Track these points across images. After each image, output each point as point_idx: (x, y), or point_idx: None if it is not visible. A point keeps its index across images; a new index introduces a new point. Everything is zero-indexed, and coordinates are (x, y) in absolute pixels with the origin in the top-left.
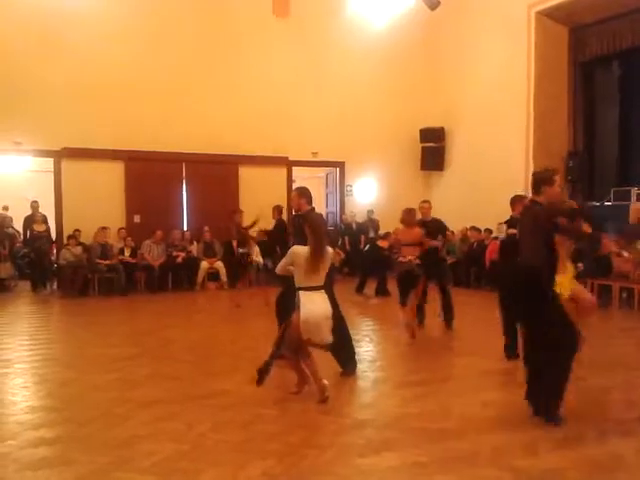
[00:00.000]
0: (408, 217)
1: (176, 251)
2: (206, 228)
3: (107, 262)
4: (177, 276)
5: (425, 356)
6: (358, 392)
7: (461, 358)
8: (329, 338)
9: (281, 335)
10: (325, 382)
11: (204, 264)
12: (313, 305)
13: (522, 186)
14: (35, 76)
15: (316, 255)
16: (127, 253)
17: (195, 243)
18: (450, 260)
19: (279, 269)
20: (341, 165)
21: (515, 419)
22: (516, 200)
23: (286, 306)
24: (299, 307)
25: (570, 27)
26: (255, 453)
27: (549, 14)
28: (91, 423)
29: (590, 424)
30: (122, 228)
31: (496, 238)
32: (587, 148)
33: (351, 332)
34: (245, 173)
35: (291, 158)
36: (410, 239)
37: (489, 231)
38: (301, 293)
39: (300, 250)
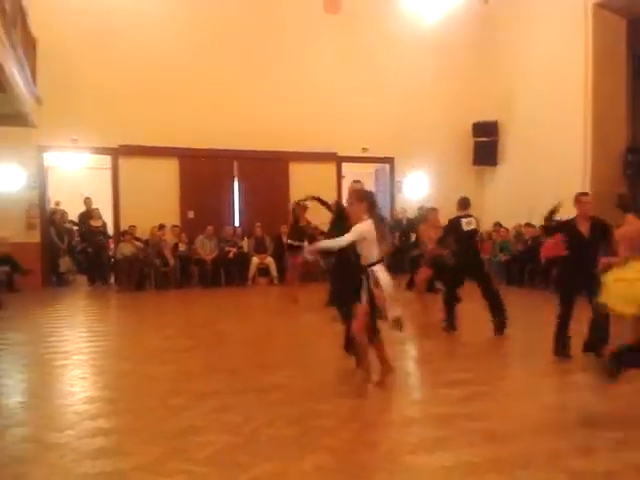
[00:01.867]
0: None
1: (228, 246)
2: (257, 224)
3: (163, 257)
4: (229, 271)
5: (479, 355)
6: (410, 389)
7: (514, 358)
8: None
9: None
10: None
11: (255, 260)
12: (386, 277)
13: (579, 181)
14: (93, 74)
15: (380, 226)
16: (181, 248)
17: (246, 239)
18: (503, 257)
19: (344, 241)
20: (391, 161)
21: (573, 422)
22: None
23: (345, 294)
24: (377, 282)
25: (629, 19)
26: (308, 447)
27: (607, 5)
28: (147, 414)
29: None
30: (176, 226)
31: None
32: None
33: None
34: (295, 169)
35: (340, 154)
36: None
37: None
38: (376, 267)
39: (365, 226)
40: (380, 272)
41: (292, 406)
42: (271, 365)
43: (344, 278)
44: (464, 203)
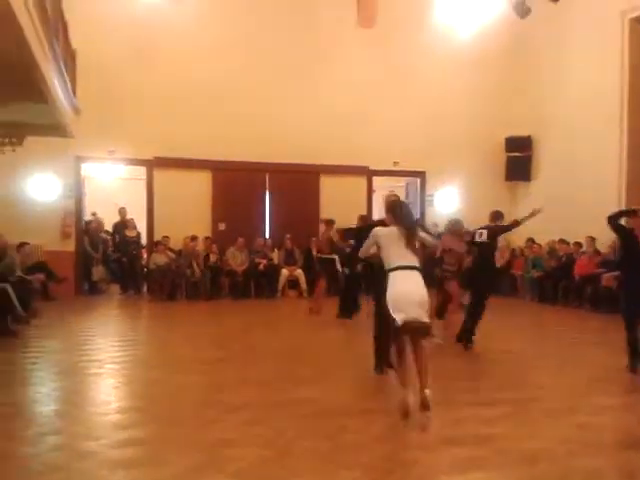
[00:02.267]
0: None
1: (258, 258)
2: (287, 236)
3: (195, 268)
4: (259, 283)
5: (509, 373)
6: (443, 409)
7: (550, 377)
8: (424, 317)
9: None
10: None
11: (284, 272)
12: (402, 283)
13: (615, 197)
14: (130, 87)
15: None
16: (212, 259)
17: (276, 250)
18: (536, 274)
19: (362, 252)
20: (422, 175)
21: (611, 443)
22: None
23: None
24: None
25: None
26: (340, 464)
27: None
28: (180, 424)
29: None
30: (207, 237)
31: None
32: None
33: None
34: (326, 182)
35: (372, 167)
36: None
37: (579, 244)
38: (393, 273)
39: (380, 230)
40: (395, 278)
41: (325, 420)
42: (302, 378)
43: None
44: (492, 215)
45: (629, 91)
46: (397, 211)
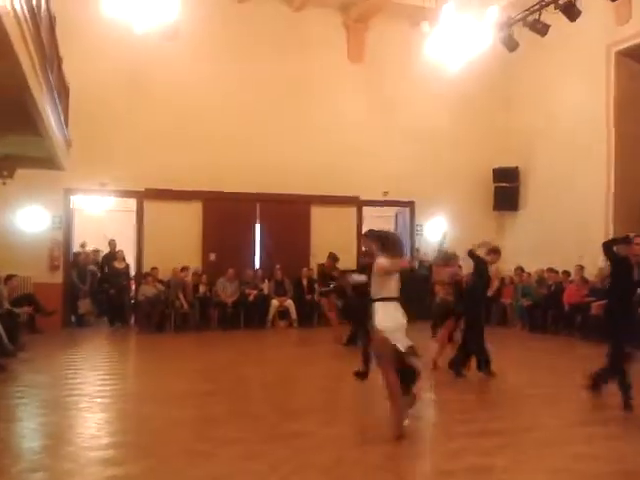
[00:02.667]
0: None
1: (248, 289)
2: (277, 266)
3: (185, 300)
4: (249, 313)
5: (504, 403)
6: (441, 439)
7: (543, 406)
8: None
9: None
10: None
11: (274, 302)
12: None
13: (602, 226)
14: (120, 120)
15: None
16: (202, 290)
17: (267, 281)
18: (526, 303)
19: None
20: (411, 204)
21: (607, 473)
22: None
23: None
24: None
25: None
26: None
27: (629, 54)
28: (174, 460)
29: None
30: (195, 273)
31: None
32: None
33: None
34: (317, 212)
35: (362, 198)
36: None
37: (567, 273)
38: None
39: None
40: (380, 307)
41: (321, 454)
42: (296, 411)
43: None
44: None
45: (615, 123)
46: (382, 240)
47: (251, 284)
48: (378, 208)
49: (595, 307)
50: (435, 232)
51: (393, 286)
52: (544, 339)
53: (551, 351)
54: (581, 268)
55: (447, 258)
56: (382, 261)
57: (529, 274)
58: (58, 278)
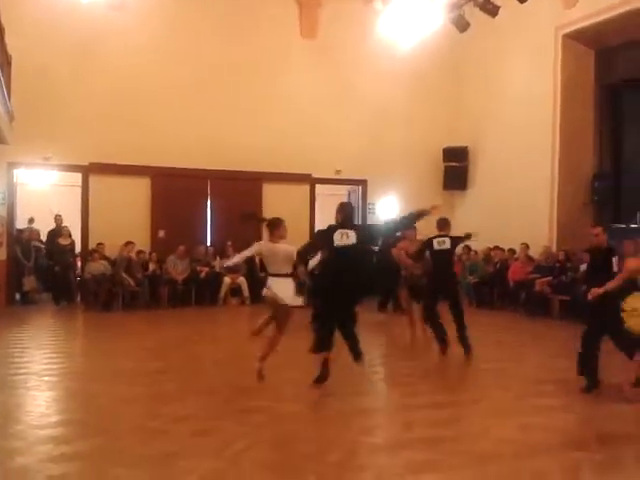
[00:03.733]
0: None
1: (200, 266)
2: (229, 243)
3: (131, 277)
4: (200, 291)
5: (453, 376)
6: (392, 413)
7: (490, 379)
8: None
9: None
10: None
11: (227, 279)
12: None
13: (547, 207)
14: (65, 93)
15: None
16: (151, 267)
17: (218, 258)
18: (473, 280)
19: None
20: (363, 183)
21: (555, 443)
22: None
23: None
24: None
25: (597, 49)
26: (293, 473)
27: (576, 37)
28: (126, 437)
29: (630, 448)
30: (141, 251)
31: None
32: (614, 171)
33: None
34: (269, 190)
35: (315, 175)
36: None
37: (512, 251)
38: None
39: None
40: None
41: (273, 430)
42: (248, 388)
43: None
44: (439, 224)
45: (561, 105)
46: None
47: (202, 261)
48: (331, 186)
49: (539, 284)
50: (387, 211)
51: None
52: (490, 315)
53: (497, 326)
54: (526, 246)
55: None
56: None
57: (476, 252)
58: (2, 255)
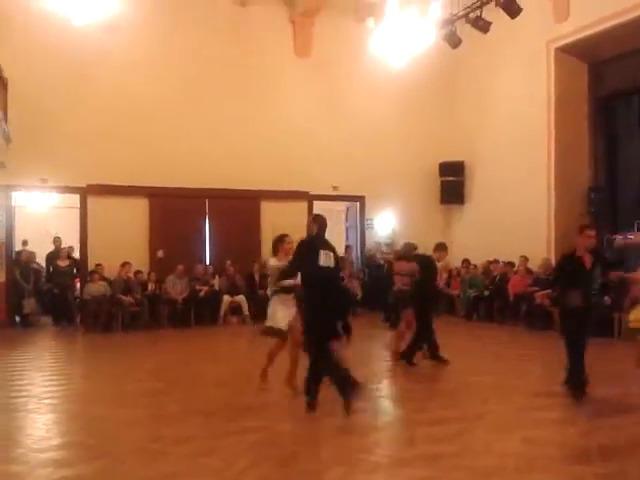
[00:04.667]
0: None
1: (199, 285)
2: (228, 262)
3: (130, 298)
4: (200, 310)
5: (453, 391)
6: (393, 429)
7: (491, 393)
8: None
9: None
10: None
11: (226, 298)
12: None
13: (544, 219)
14: (62, 115)
15: None
16: (150, 287)
17: (217, 277)
18: (473, 293)
19: None
20: (361, 199)
21: (557, 456)
22: None
23: None
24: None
25: (589, 62)
26: None
27: (568, 50)
28: (128, 459)
29: (632, 460)
30: (139, 272)
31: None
32: (609, 182)
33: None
34: (267, 207)
35: (312, 192)
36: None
37: (511, 264)
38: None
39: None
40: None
41: (274, 448)
42: (250, 407)
43: None
44: (437, 247)
45: (555, 118)
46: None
47: (201, 280)
48: (329, 203)
49: (539, 296)
50: (384, 226)
51: None
52: (490, 329)
53: (498, 340)
54: (525, 259)
55: (408, 250)
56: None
57: (475, 266)
58: (0, 278)
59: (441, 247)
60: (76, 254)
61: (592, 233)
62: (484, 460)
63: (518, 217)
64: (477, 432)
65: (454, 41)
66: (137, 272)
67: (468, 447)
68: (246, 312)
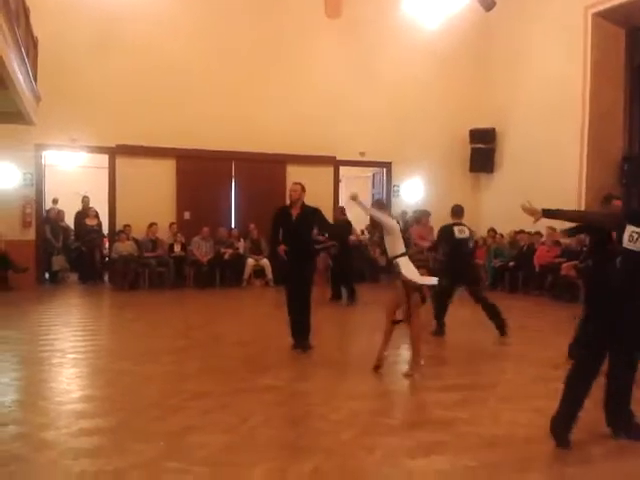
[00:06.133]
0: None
1: (224, 248)
2: (252, 226)
3: (155, 255)
4: (224, 272)
5: (472, 360)
6: (407, 394)
7: (509, 363)
8: None
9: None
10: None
11: (250, 261)
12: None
13: (575, 189)
14: (92, 74)
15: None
16: (177, 248)
17: (242, 240)
18: (498, 263)
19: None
20: (388, 165)
21: None
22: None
23: None
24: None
25: (627, 29)
26: (305, 449)
27: (606, 16)
28: (144, 413)
29: None
30: (173, 223)
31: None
32: None
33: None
34: (293, 172)
35: (339, 157)
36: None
37: (539, 235)
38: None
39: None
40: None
41: (289, 407)
42: (267, 366)
43: None
44: (457, 211)
45: (590, 84)
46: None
47: (226, 243)
48: (355, 168)
49: (565, 268)
50: (411, 193)
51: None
52: (515, 298)
53: (522, 310)
54: (552, 230)
55: (417, 217)
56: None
57: (502, 236)
58: (31, 235)
59: (459, 211)
60: (103, 213)
61: (619, 203)
62: (494, 428)
63: (548, 187)
64: (489, 400)
65: (488, 4)
66: (172, 224)
67: (479, 415)
68: (269, 275)
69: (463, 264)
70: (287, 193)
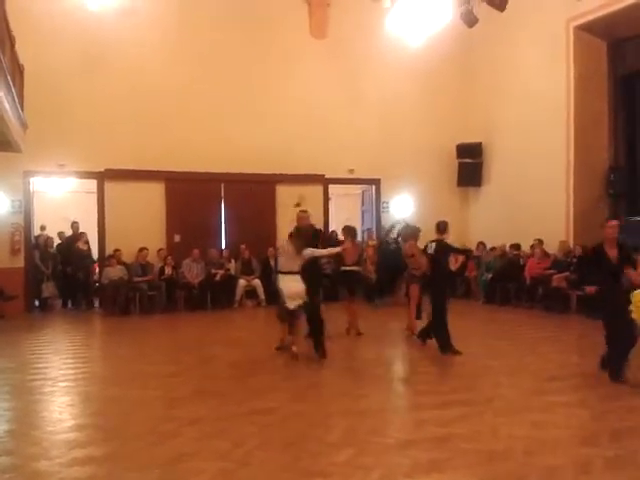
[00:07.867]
0: None
1: (215, 269)
2: (243, 246)
3: (146, 279)
4: (216, 294)
5: (467, 374)
6: (402, 412)
7: (503, 377)
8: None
9: None
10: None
11: (242, 282)
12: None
13: (563, 201)
14: (78, 100)
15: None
16: (168, 271)
17: (233, 261)
18: (488, 276)
19: None
20: (377, 182)
21: (566, 439)
22: None
23: None
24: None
25: (609, 41)
26: (301, 472)
27: (588, 28)
28: (138, 440)
29: None
30: (161, 249)
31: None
32: (629, 163)
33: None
34: (282, 191)
35: (327, 176)
36: None
37: (530, 247)
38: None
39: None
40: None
41: (284, 430)
42: (260, 389)
43: None
44: (439, 227)
45: (575, 97)
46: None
47: (217, 264)
48: (344, 186)
49: (556, 279)
50: (400, 209)
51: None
52: (506, 311)
53: (513, 322)
54: (540, 242)
55: (412, 233)
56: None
57: (493, 248)
58: (20, 262)
59: (443, 227)
60: (93, 238)
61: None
62: (492, 443)
63: (536, 199)
64: (486, 415)
65: (471, 20)
66: (160, 250)
67: (477, 430)
68: (262, 296)
69: (436, 277)
70: (277, 212)
